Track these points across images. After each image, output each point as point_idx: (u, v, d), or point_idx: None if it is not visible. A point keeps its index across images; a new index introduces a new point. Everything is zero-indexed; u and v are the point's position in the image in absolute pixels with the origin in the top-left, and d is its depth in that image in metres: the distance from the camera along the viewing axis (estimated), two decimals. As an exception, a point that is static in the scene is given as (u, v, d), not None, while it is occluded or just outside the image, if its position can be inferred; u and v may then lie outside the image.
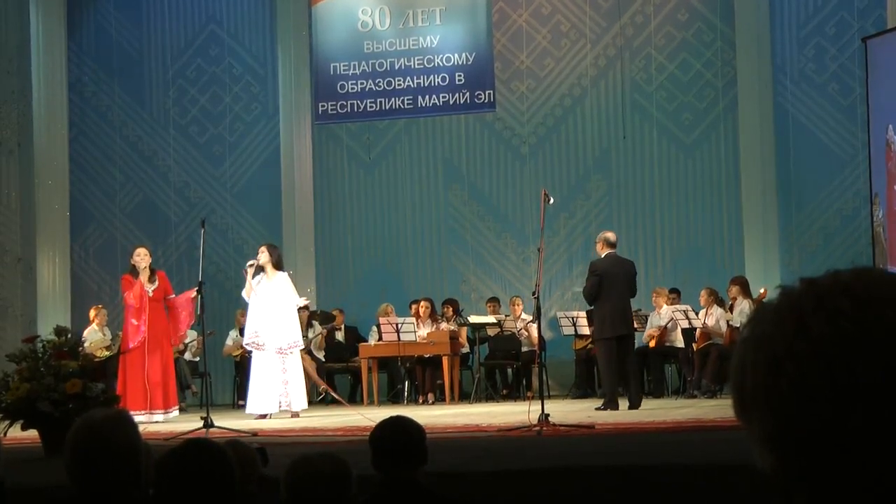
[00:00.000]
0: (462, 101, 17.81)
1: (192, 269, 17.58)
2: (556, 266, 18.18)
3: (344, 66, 18.10)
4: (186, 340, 16.70)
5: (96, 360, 10.39)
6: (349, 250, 19.16)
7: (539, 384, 12.99)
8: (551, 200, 11.89)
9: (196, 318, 13.35)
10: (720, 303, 15.99)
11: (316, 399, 15.31)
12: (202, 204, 19.21)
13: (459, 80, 17.74)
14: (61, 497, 3.56)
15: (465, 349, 17.31)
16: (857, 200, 16.98)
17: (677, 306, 16.29)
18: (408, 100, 17.99)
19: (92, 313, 17.16)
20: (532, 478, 6.74)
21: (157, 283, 13.82)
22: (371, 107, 18.11)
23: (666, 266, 17.31)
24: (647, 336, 16.23)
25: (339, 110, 18.18)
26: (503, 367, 17.37)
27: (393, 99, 18.02)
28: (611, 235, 13.65)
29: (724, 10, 17.74)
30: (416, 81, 17.94)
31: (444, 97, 17.85)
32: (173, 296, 13.99)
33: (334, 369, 17.66)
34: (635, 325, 14.41)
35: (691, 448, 8.29)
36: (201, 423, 10.93)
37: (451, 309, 17.36)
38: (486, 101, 17.73)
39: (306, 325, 17.29)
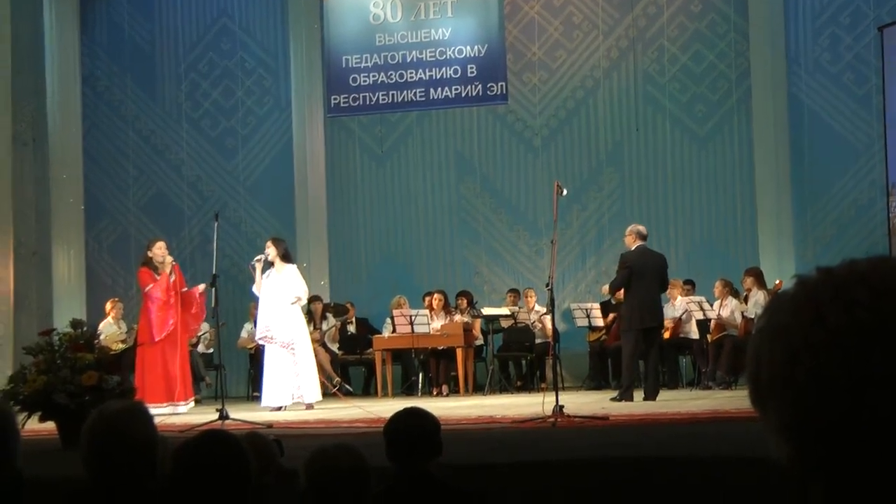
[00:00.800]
0: (474, 94, 17.80)
1: (206, 262, 17.60)
2: (570, 258, 18.18)
3: (356, 58, 18.10)
4: (199, 333, 16.76)
5: (112, 352, 10.40)
6: (361, 243, 19.17)
7: (553, 376, 12.98)
8: (564, 192, 11.88)
9: (209, 311, 13.41)
10: (735, 294, 15.96)
11: (330, 391, 15.32)
12: (215, 197, 19.24)
13: (471, 73, 17.73)
14: (78, 489, 3.57)
15: (479, 341, 17.32)
16: (873, 191, 16.93)
17: (691, 298, 16.28)
18: (420, 92, 17.98)
19: (108, 306, 17.22)
20: (547, 469, 6.75)
21: (174, 276, 13.90)
22: (383, 99, 18.11)
23: (680, 257, 17.27)
24: (660, 328, 16.23)
25: (352, 103, 18.19)
26: (517, 358, 17.38)
27: (405, 91, 18.02)
28: (642, 228, 13.63)
29: (738, 0, 17.70)
30: (427, 74, 17.94)
31: (456, 89, 17.84)
32: (186, 289, 14.05)
33: (348, 361, 17.70)
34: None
35: (706, 440, 8.29)
36: (216, 415, 10.96)
37: (464, 301, 17.37)
38: (499, 93, 17.72)
39: (320, 318, 17.33)
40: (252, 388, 16.77)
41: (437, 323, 16.66)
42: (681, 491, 6.32)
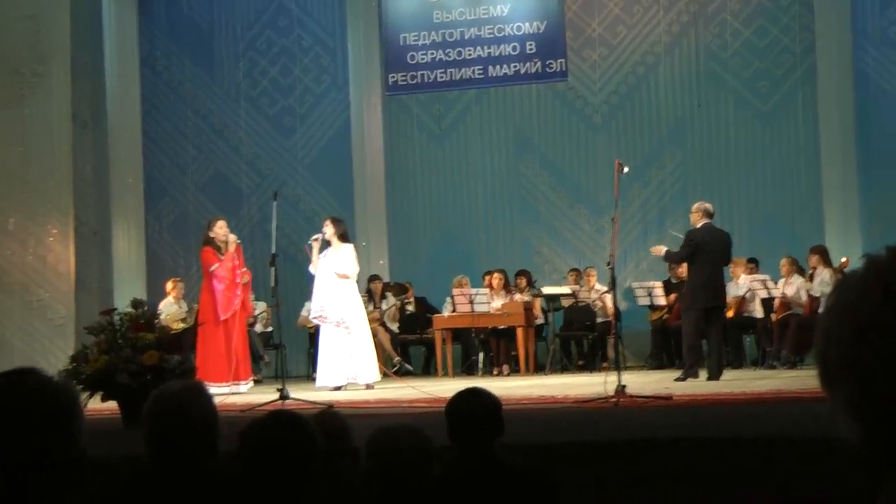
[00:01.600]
0: (533, 71, 17.76)
1: (265, 241, 17.67)
2: (631, 236, 18.10)
3: (414, 36, 18.11)
4: (256, 312, 16.85)
5: (172, 332, 10.48)
6: (420, 222, 19.20)
7: (615, 355, 12.95)
8: (625, 170, 11.83)
9: (268, 290, 13.46)
10: (800, 272, 15.84)
11: (390, 370, 15.38)
12: (273, 176, 19.33)
13: (530, 49, 17.69)
14: (140, 468, 3.62)
15: (540, 320, 17.32)
16: (941, 167, 16.73)
17: (755, 276, 16.18)
18: (478, 70, 17.97)
19: (169, 286, 17.39)
20: (609, 449, 6.75)
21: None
22: (441, 77, 18.11)
23: (743, 235, 17.13)
24: (724, 306, 16.15)
25: (410, 81, 18.20)
26: (578, 338, 17.35)
27: (463, 69, 18.01)
28: (709, 206, 13.55)
29: (802, -27, 17.53)
30: (486, 51, 17.92)
31: (514, 66, 17.81)
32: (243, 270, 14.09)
33: (408, 341, 17.75)
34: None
35: (771, 420, 8.25)
36: (277, 395, 11.02)
37: (524, 280, 17.36)
38: (558, 70, 17.67)
39: (380, 297, 17.37)
40: (311, 368, 16.85)
41: (497, 302, 16.66)
42: (746, 472, 6.29)
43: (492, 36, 17.89)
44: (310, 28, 19.46)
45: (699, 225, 13.40)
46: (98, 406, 9.41)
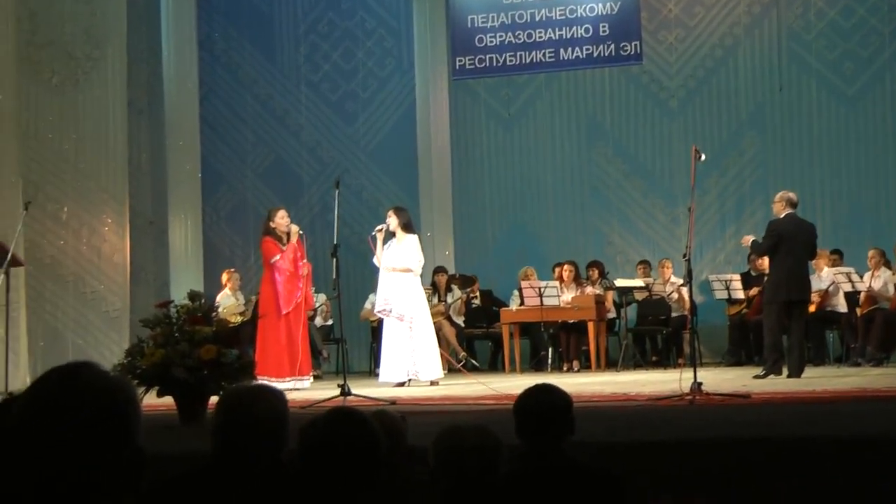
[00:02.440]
0: (606, 54, 17.71)
1: (326, 231, 17.79)
2: (708, 227, 18.01)
3: (482, 18, 18.11)
4: (316, 305, 16.88)
5: (230, 325, 10.53)
6: (488, 211, 19.20)
7: (691, 350, 12.89)
8: (702, 157, 11.75)
9: (329, 282, 13.51)
10: (887, 265, 15.68)
11: (456, 367, 15.40)
12: (335, 163, 19.40)
13: (604, 32, 17.64)
14: (200, 466, 3.65)
15: (612, 314, 17.28)
16: None
17: (839, 268, 16.04)
18: (549, 53, 17.93)
19: (224, 277, 17.48)
20: (684, 449, 6.72)
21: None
22: (510, 61, 18.10)
23: (826, 226, 16.97)
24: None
25: (477, 65, 18.20)
26: (652, 332, 17.30)
27: (533, 52, 17.98)
28: (793, 195, 13.43)
29: (890, -50, 17.35)
30: (557, 33, 17.88)
31: (587, 49, 17.76)
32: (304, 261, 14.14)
33: (474, 335, 17.76)
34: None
35: (854, 419, 8.18)
36: (338, 391, 11.07)
37: (596, 272, 17.33)
38: (632, 52, 17.60)
39: (445, 290, 17.40)
40: (374, 364, 16.88)
41: (568, 295, 16.63)
42: (827, 473, 6.25)
43: (563, 17, 17.85)
44: (373, 10, 19.50)
45: (782, 215, 13.29)
46: (154, 402, 9.47)
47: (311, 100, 19.69)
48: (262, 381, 11.28)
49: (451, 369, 14.84)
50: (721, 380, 12.47)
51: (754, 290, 16.11)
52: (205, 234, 19.36)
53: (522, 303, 16.76)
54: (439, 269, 17.60)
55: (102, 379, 2.11)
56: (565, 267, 17.03)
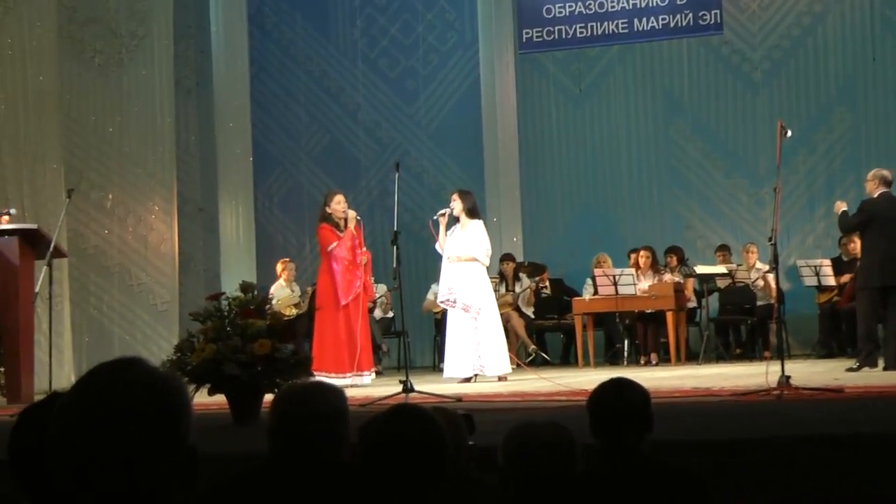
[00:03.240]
0: (684, 24, 17.63)
1: (385, 217, 17.84)
2: (795, 208, 17.89)
3: (550, -14, 18.08)
4: (376, 296, 16.91)
5: (285, 318, 10.59)
6: (558, 194, 19.16)
7: (778, 342, 12.83)
8: (788, 134, 11.68)
9: (389, 272, 13.52)
10: None
11: (525, 361, 15.40)
12: (395, 145, 19.44)
13: (681, 0, 17.55)
14: (256, 465, 3.68)
15: (692, 303, 17.22)
16: None
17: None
18: (622, 23, 17.88)
19: (279, 267, 17.54)
20: (771, 447, 6.69)
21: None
22: (581, 32, 18.06)
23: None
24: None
25: (546, 37, 18.17)
26: (735, 323, 17.22)
27: (606, 23, 17.93)
28: (887, 173, 13.28)
29: None
30: (631, 2, 17.84)
31: (663, 19, 17.69)
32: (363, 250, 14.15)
33: (544, 327, 17.76)
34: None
35: (956, 415, 8.12)
36: (400, 388, 11.10)
37: (675, 258, 17.28)
38: (712, 22, 17.51)
39: (513, 279, 17.40)
40: (438, 358, 16.92)
41: (645, 283, 16.59)
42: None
43: (638, -16, 17.80)
44: (433, -21, 19.52)
45: (876, 194, 13.17)
46: (204, 400, 9.52)
47: (369, 77, 19.73)
48: (320, 377, 11.34)
49: (519, 364, 14.83)
50: (811, 373, 12.41)
51: (846, 277, 15.98)
52: (257, 222, 19.45)
53: (596, 292, 16.73)
54: (506, 257, 17.60)
55: (151, 376, 2.13)
56: (642, 253, 16.98)
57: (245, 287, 9.86)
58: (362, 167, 19.66)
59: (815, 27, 18.09)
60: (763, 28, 18.28)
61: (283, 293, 16.96)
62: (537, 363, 16.43)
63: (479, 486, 4.25)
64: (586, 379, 11.87)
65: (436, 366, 17.05)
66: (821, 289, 16.57)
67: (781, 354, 11.25)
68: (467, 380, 13.57)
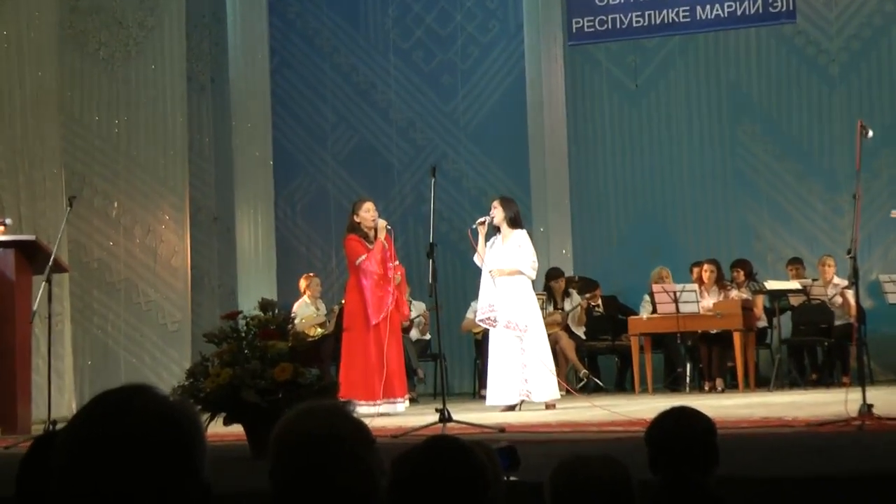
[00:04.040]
0: (753, 11, 17.60)
1: (420, 226, 17.85)
2: (877, 217, 17.81)
3: (603, -30, 18.10)
4: (412, 315, 16.91)
5: (309, 339, 10.59)
6: (612, 201, 19.16)
7: (858, 366, 12.76)
8: (869, 134, 11.65)
9: (425, 289, 13.49)
10: None
11: (576, 386, 15.38)
12: (431, 147, 19.46)
13: (749, -16, 17.56)
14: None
15: (762, 323, 17.17)
16: None
17: None
18: (683, 11, 17.87)
19: (303, 283, 17.54)
20: (851, 484, 6.67)
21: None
22: (637, 21, 18.05)
23: None
24: None
25: (598, 27, 18.17)
26: (811, 344, 17.17)
27: (665, 11, 17.92)
28: None
29: None
30: (694, -12, 17.82)
31: (729, 7, 17.67)
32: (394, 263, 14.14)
33: (597, 349, 17.73)
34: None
35: None
36: (437, 417, 11.09)
37: (742, 273, 17.23)
38: (784, 9, 17.48)
39: (562, 296, 17.38)
40: (478, 384, 16.91)
41: (709, 300, 16.57)
42: None
43: (700, -32, 17.81)
44: (473, -36, 19.56)
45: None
46: (220, 430, 9.53)
47: (402, 71, 19.77)
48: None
49: (569, 390, 14.82)
50: (895, 401, 12.36)
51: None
52: (278, 232, 19.49)
53: (654, 310, 16.71)
54: (554, 272, 17.57)
55: (161, 404, 2.13)
56: (705, 267, 16.96)
57: (265, 305, 9.87)
58: (395, 171, 19.69)
59: (898, 15, 18.08)
60: (841, 16, 18.25)
61: (306, 311, 16.97)
62: (589, 389, 16.42)
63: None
64: (644, 407, 11.85)
65: (476, 392, 17.06)
66: (906, 307, 16.54)
67: (862, 380, 11.19)
68: (511, 407, 13.55)
